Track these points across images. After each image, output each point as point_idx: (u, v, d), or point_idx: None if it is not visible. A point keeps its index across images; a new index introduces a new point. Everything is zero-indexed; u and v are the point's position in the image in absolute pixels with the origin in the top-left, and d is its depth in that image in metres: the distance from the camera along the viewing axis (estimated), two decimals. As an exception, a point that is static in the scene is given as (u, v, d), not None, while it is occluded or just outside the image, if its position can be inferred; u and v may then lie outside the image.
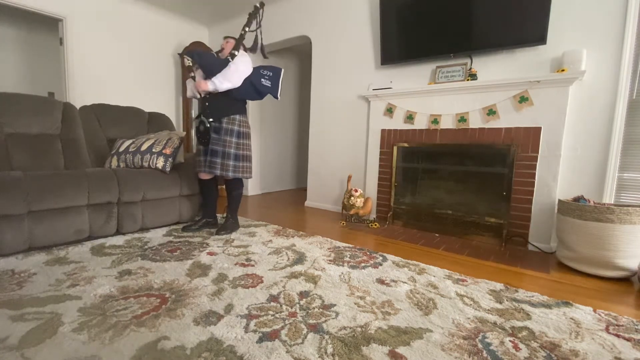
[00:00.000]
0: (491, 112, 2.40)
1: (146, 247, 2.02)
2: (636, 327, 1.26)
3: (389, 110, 2.94)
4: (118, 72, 3.80)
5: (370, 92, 3.02)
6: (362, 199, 2.97)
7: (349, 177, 3.11)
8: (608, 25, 2.05)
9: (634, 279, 1.79)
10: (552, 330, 1.21)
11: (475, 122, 2.49)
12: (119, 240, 2.13)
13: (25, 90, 4.07)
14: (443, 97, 2.63)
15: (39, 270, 1.59)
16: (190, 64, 2.18)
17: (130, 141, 2.57)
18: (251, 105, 4.35)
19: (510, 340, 1.14)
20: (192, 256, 1.88)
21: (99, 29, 3.61)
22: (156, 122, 3.02)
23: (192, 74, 2.20)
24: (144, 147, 2.46)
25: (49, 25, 4.08)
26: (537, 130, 2.24)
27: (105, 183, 2.11)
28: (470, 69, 2.53)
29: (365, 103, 3.20)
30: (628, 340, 1.17)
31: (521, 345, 1.11)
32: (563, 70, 2.11)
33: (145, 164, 2.42)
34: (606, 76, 2.07)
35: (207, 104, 2.20)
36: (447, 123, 2.62)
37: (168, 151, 2.44)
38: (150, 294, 1.39)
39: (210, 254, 1.93)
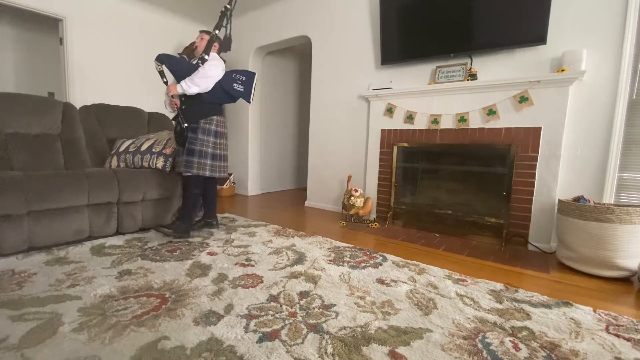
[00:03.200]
0: (491, 112, 2.40)
1: (146, 247, 2.02)
2: (636, 327, 1.26)
3: (389, 110, 2.94)
4: (118, 72, 3.80)
5: (370, 92, 3.02)
6: (362, 199, 2.97)
7: (349, 177, 3.11)
8: (608, 25, 2.05)
9: (634, 279, 1.79)
10: (552, 330, 1.21)
11: (475, 122, 2.49)
12: (119, 240, 2.13)
13: (25, 90, 4.06)
14: (443, 97, 2.63)
15: (39, 270, 1.59)
16: (161, 69, 2.13)
17: (130, 141, 2.57)
18: (251, 106, 4.36)
19: (510, 340, 1.14)
20: (192, 256, 1.88)
21: (99, 29, 3.61)
22: (156, 122, 3.02)
23: (165, 79, 2.15)
24: (144, 147, 2.46)
25: (49, 25, 4.07)
26: (537, 130, 2.24)
27: (105, 183, 2.11)
28: (470, 69, 2.53)
29: (365, 103, 3.20)
30: (628, 340, 1.17)
31: (521, 345, 1.11)
32: (563, 70, 2.11)
33: (145, 164, 2.42)
34: (606, 76, 2.07)
35: (183, 107, 2.19)
36: (447, 123, 2.62)
37: (168, 151, 2.44)
38: (150, 294, 1.39)
39: (210, 254, 1.93)
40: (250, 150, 4.43)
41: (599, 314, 1.35)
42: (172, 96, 2.17)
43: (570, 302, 1.45)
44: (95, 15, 3.56)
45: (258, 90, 4.46)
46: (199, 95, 2.16)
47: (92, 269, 1.64)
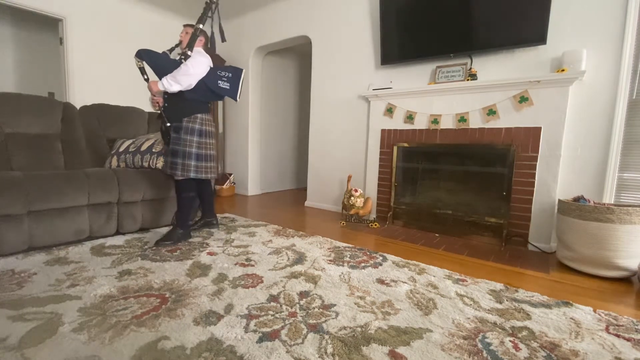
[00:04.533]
0: (491, 112, 2.40)
1: (146, 247, 2.02)
2: (636, 327, 1.26)
3: (389, 110, 2.94)
4: (118, 72, 3.80)
5: (370, 92, 3.02)
6: (362, 199, 2.97)
7: (349, 177, 3.11)
8: (608, 25, 2.05)
9: (634, 279, 1.79)
10: (552, 330, 1.21)
11: (475, 122, 2.49)
12: (119, 240, 2.13)
13: (25, 90, 4.07)
14: (443, 97, 2.63)
15: (39, 270, 1.59)
16: (142, 66, 2.04)
17: (130, 141, 2.57)
18: (251, 105, 4.36)
19: (510, 340, 1.14)
20: (192, 256, 1.88)
21: (99, 29, 3.61)
22: (156, 122, 3.02)
23: (146, 76, 2.06)
24: (144, 147, 2.46)
25: (49, 25, 4.08)
26: (537, 130, 2.24)
27: (105, 183, 2.11)
28: (470, 69, 2.53)
29: (365, 103, 3.20)
30: (628, 340, 1.17)
31: (521, 345, 1.11)
32: (563, 70, 2.11)
33: (145, 164, 2.42)
34: (606, 76, 2.07)
35: (166, 104, 2.10)
36: (447, 123, 2.62)
37: (168, 151, 2.44)
38: (150, 294, 1.39)
39: (210, 254, 1.93)
40: (250, 150, 4.43)
41: (599, 314, 1.35)
42: (154, 94, 2.07)
43: (570, 302, 1.45)
44: (95, 15, 3.56)
45: (258, 91, 4.46)
46: (181, 92, 2.06)
47: (92, 269, 1.64)
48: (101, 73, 3.65)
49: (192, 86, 2.06)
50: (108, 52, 3.69)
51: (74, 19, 3.41)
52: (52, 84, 4.29)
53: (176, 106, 2.10)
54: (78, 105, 3.23)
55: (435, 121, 2.66)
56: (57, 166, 2.31)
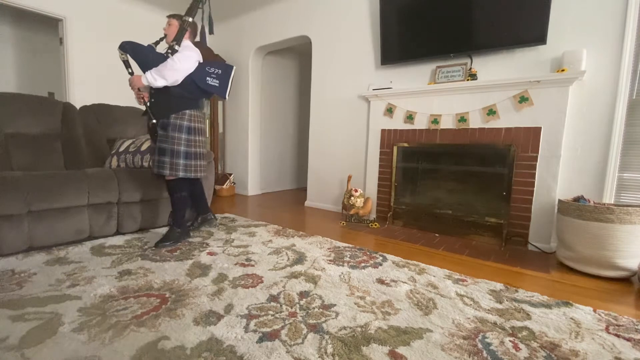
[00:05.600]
0: (491, 112, 2.40)
1: (146, 247, 2.02)
2: (636, 327, 1.26)
3: (389, 110, 2.94)
4: (118, 72, 3.79)
5: (370, 92, 3.02)
6: (362, 199, 2.97)
7: (349, 177, 3.11)
8: (608, 25, 2.05)
9: (634, 279, 1.79)
10: (552, 330, 1.21)
11: (475, 122, 2.49)
12: (119, 240, 2.13)
13: (25, 90, 4.07)
14: (443, 97, 2.63)
15: (39, 270, 1.59)
16: (126, 59, 1.95)
17: (130, 141, 2.57)
18: (251, 105, 4.36)
19: (510, 340, 1.14)
20: (192, 256, 1.88)
21: (99, 29, 3.61)
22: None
23: (130, 70, 1.97)
24: (144, 147, 2.46)
25: (49, 25, 4.08)
26: (537, 130, 2.24)
27: (105, 183, 2.11)
28: (470, 69, 2.53)
29: (365, 103, 3.20)
30: (628, 340, 1.17)
31: (521, 345, 1.11)
32: (563, 70, 2.11)
33: (146, 164, 2.42)
34: (606, 76, 2.07)
35: (152, 100, 2.01)
36: (447, 123, 2.62)
37: (168, 151, 2.43)
38: (150, 294, 1.39)
39: (210, 254, 1.93)
40: (250, 150, 4.43)
41: (599, 314, 1.35)
42: (139, 89, 1.97)
43: (570, 302, 1.45)
44: (95, 15, 3.56)
45: (258, 91, 4.46)
46: (167, 88, 1.96)
47: (92, 269, 1.64)
48: (101, 73, 3.65)
49: (179, 82, 1.97)
50: (108, 52, 3.69)
51: (74, 19, 3.41)
52: (52, 84, 4.29)
53: (163, 102, 2.00)
54: (78, 105, 3.22)
55: (435, 121, 2.66)
56: (57, 166, 2.31)
